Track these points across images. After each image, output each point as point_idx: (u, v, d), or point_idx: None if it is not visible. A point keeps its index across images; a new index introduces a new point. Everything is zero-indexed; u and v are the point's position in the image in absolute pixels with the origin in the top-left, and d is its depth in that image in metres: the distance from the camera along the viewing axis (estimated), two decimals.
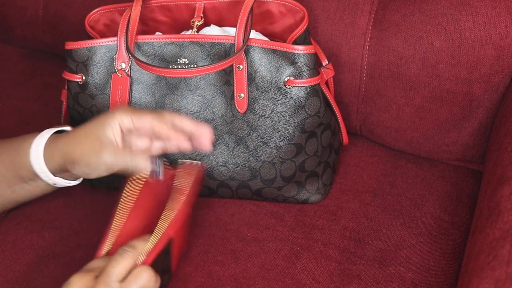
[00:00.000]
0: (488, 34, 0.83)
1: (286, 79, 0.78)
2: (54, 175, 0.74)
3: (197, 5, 0.85)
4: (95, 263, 0.64)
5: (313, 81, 0.79)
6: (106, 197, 0.79)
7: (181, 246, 0.74)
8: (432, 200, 0.87)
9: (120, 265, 0.63)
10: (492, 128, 0.86)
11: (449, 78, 0.86)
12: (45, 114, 1.04)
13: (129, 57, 0.81)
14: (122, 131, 0.71)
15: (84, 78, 0.82)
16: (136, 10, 0.81)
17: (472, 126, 0.88)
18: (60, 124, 0.89)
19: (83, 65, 0.82)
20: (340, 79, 0.92)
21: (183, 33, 0.87)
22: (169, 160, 0.82)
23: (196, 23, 0.83)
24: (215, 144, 0.82)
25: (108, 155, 0.69)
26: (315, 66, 0.79)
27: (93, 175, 0.71)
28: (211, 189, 0.85)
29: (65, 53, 0.84)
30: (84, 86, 0.83)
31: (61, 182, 0.75)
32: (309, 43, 0.83)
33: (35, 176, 0.74)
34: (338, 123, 0.89)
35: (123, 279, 0.62)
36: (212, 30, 0.84)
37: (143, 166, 0.69)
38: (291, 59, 0.78)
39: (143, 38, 0.81)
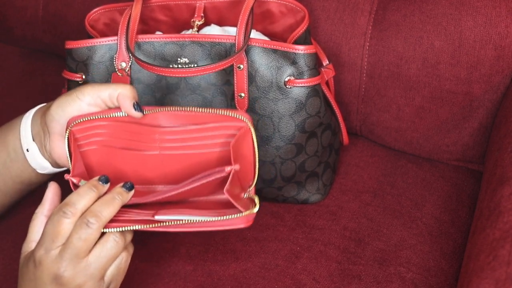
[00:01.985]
0: (488, 34, 0.83)
1: (286, 79, 0.78)
2: (33, 140, 0.73)
3: (198, 4, 0.85)
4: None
5: (313, 81, 0.79)
6: None
7: None
8: (432, 200, 0.87)
9: (85, 241, 0.60)
10: (492, 128, 0.86)
11: (449, 78, 0.86)
12: None
13: (129, 56, 0.80)
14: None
15: (84, 77, 0.82)
16: (136, 10, 0.81)
17: (472, 126, 0.88)
18: None
19: (83, 65, 0.82)
20: (340, 79, 0.92)
21: (183, 32, 0.87)
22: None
23: (196, 22, 0.83)
24: None
25: (90, 86, 0.68)
26: (316, 66, 0.79)
27: (67, 107, 0.68)
28: None
29: (65, 52, 0.84)
30: None
31: (34, 152, 0.73)
32: (310, 43, 0.83)
33: (17, 143, 0.73)
34: (339, 123, 0.89)
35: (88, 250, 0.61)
36: (213, 30, 0.84)
37: (128, 92, 0.67)
38: (291, 59, 0.78)
39: (143, 38, 0.81)
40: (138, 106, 0.67)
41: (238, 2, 0.83)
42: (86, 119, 0.67)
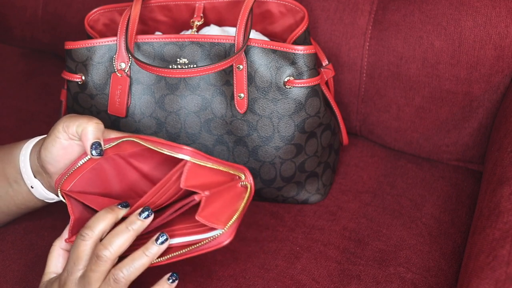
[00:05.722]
0: (488, 34, 0.83)
1: (286, 79, 0.78)
2: (35, 177, 0.73)
3: (197, 5, 0.85)
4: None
5: (313, 81, 0.78)
6: None
7: None
8: (432, 200, 0.87)
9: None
10: (492, 128, 0.86)
11: (449, 78, 0.86)
12: (44, 114, 1.04)
13: (129, 57, 0.80)
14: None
15: (83, 78, 0.82)
16: (136, 10, 0.81)
17: (472, 126, 0.88)
18: None
19: (83, 65, 0.82)
20: (340, 79, 0.92)
21: (182, 33, 0.87)
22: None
23: (196, 23, 0.83)
24: (214, 144, 0.82)
25: (62, 122, 0.69)
26: (315, 66, 0.79)
27: (53, 142, 0.69)
28: None
29: (64, 53, 0.84)
30: (83, 86, 0.82)
31: (38, 187, 0.73)
32: (309, 43, 0.83)
33: (19, 176, 0.74)
34: (338, 123, 0.89)
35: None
36: (212, 30, 0.84)
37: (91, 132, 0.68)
38: (291, 59, 0.78)
39: (142, 38, 0.80)
40: (96, 147, 0.68)
41: (237, 2, 0.83)
42: (65, 178, 0.69)
